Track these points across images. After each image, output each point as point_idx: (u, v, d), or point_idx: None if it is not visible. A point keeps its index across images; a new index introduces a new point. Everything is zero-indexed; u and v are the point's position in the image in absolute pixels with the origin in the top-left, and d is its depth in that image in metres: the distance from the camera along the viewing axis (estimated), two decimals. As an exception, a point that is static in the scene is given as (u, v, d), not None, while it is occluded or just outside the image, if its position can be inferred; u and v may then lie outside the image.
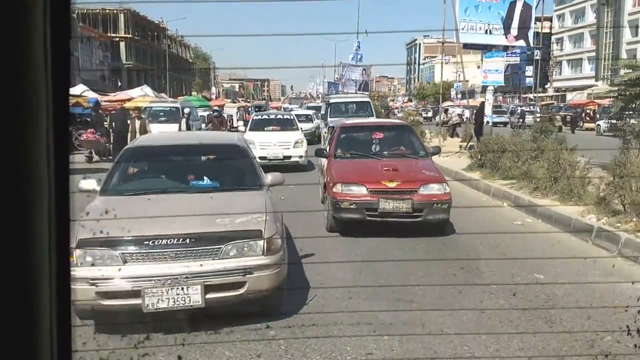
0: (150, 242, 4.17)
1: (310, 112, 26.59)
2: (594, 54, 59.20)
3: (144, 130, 15.87)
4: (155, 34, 65.67)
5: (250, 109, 36.52)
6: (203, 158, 5.87)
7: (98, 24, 54.84)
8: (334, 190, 7.24)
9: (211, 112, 24.26)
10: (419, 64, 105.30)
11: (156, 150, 6.06)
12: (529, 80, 61.03)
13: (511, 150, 9.83)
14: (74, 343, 0.84)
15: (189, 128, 18.95)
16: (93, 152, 15.90)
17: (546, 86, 64.05)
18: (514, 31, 15.30)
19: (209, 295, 4.11)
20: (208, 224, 4.39)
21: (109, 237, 4.00)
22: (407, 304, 4.40)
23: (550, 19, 68.08)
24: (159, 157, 5.86)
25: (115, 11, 56.11)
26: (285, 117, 17.71)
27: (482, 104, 15.96)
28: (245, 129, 17.25)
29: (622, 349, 3.41)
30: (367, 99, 22.75)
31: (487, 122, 16.00)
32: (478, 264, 5.69)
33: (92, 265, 4.14)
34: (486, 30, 15.01)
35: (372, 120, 14.47)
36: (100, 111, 22.98)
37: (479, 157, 11.25)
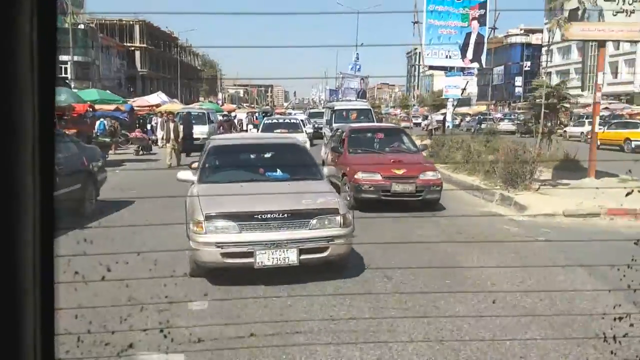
0: (259, 216, 5.30)
1: (304, 117, 29.47)
2: (580, 65, 63.45)
3: (176, 131, 20.01)
4: (167, 43, 70.38)
5: (257, 114, 41.24)
6: (271, 154, 7.12)
7: (115, 34, 59.55)
8: (355, 177, 9.15)
9: (221, 117, 28.35)
10: (418, 73, 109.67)
11: (236, 148, 7.36)
12: (518, 90, 65.95)
13: (444, 145, 14.49)
14: (57, 351, 0.86)
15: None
16: (140, 147, 20.47)
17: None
18: (469, 55, 19.90)
19: (302, 257, 5.22)
20: (298, 203, 5.51)
21: (228, 212, 5.31)
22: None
23: (541, 32, 72.72)
24: (239, 153, 7.21)
25: (131, 22, 60.81)
26: (292, 121, 20.62)
27: (445, 114, 20.65)
28: (257, 131, 20.61)
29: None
30: (369, 107, 24.72)
31: (448, 127, 20.67)
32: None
33: (218, 233, 5.17)
34: (446, 55, 19.64)
35: (374, 124, 17.27)
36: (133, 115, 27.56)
37: (429, 150, 15.91)
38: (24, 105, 0.74)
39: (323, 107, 39.18)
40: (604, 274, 5.37)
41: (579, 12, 10.61)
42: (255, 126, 29.34)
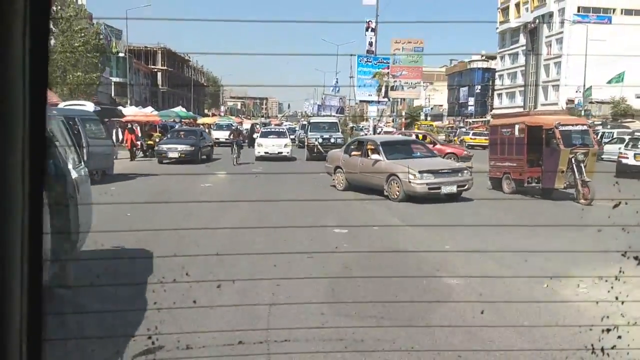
0: (440, 171, 12.83)
1: (285, 128, 36.56)
2: (522, 88, 79.79)
3: (211, 135, 35.04)
4: (181, 64, 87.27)
5: (258, 125, 58.07)
6: (408, 145, 15.06)
7: (141, 58, 75.88)
8: (464, 153, 23.40)
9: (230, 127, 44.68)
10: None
11: (393, 142, 15.23)
12: (471, 109, 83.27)
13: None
14: (45, 356, 0.89)
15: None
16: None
17: (487, 114, 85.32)
18: (381, 94, 37.30)
19: (458, 189, 12.71)
20: (451, 165, 13.99)
21: (429, 169, 12.73)
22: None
23: (494, 58, 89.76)
24: (395, 144, 14.68)
25: (154, 49, 77.37)
26: (280, 129, 30.44)
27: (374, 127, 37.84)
28: (257, 137, 29.54)
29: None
30: (335, 121, 33.48)
31: (371, 134, 37.82)
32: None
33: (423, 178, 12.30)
34: (369, 94, 36.97)
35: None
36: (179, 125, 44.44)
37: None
38: (15, 112, 0.76)
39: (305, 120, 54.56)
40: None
41: (395, 86, 28.00)
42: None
